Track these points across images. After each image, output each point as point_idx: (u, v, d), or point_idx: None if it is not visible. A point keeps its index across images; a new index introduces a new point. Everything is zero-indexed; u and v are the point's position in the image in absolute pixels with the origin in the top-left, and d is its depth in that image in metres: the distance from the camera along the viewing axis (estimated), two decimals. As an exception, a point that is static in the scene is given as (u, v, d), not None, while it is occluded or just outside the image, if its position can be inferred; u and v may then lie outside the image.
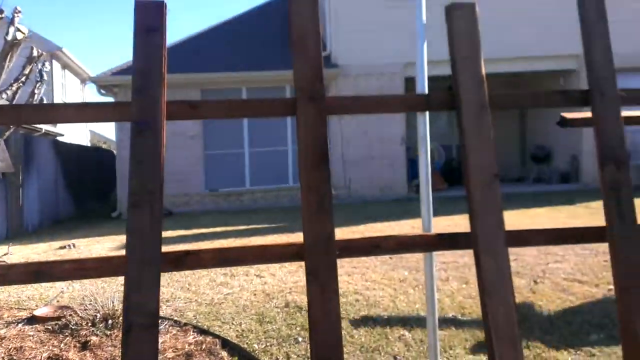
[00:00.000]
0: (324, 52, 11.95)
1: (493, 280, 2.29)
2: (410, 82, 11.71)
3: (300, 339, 3.44)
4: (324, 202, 2.25)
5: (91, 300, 3.84)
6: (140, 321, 1.95)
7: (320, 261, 2.23)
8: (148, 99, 2.10)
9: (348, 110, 2.36)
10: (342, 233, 7.22)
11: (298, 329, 3.60)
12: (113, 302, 3.72)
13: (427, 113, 2.55)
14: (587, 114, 2.55)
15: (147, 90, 2.10)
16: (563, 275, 4.56)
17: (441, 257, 5.26)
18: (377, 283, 4.55)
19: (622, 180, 2.46)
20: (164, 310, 4.10)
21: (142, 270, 1.98)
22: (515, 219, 7.82)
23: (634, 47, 11.98)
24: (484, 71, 2.36)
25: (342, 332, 3.55)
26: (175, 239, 7.34)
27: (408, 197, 11.97)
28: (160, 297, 4.50)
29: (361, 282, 4.60)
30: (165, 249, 1.98)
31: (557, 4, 10.67)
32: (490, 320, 2.24)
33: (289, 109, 2.34)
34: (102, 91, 11.94)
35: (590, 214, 8.32)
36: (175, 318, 3.92)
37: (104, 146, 24.87)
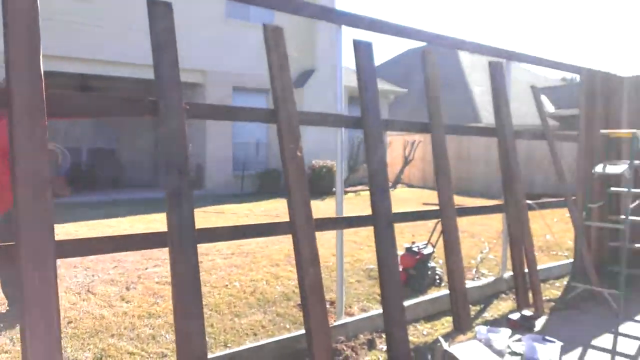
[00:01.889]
0: None
1: (37, 292, 2.16)
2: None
3: None
4: None
5: None
6: None
7: None
8: None
9: None
10: None
11: None
12: None
13: (-24, 108, 2.24)
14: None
15: None
16: (157, 279, 4.76)
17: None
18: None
19: (183, 187, 2.67)
20: None
21: None
22: (129, 224, 7.86)
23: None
24: (42, 70, 2.22)
25: None
26: None
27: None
28: None
29: None
30: None
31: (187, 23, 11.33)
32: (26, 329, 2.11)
33: None
34: None
35: (205, 217, 9.02)
36: None
37: None
